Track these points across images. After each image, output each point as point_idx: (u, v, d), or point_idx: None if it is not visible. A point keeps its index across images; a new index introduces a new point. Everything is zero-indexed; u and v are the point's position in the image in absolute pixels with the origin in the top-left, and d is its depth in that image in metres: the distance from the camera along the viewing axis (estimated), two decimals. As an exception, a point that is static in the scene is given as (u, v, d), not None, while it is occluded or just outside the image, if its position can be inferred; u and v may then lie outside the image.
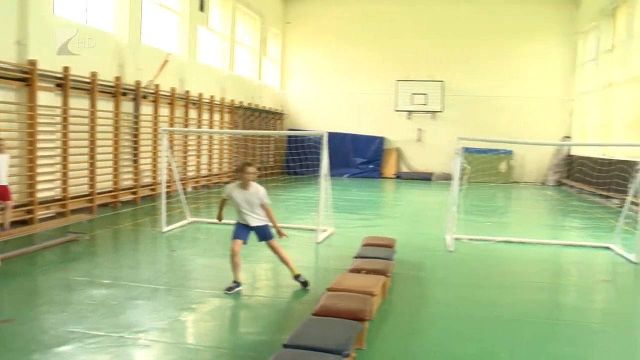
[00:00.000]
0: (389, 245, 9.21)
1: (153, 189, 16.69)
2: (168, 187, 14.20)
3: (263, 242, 7.80)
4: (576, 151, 26.31)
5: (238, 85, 24.06)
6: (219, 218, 8.06)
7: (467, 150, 24.49)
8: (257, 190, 7.54)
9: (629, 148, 19.01)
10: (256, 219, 7.58)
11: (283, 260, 7.77)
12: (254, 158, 25.06)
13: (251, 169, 7.45)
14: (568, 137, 27.35)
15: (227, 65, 23.02)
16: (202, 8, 20.19)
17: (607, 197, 19.60)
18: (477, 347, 5.93)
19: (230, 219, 13.25)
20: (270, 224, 7.74)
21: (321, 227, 11.32)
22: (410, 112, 28.73)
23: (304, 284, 7.68)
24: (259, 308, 7.10)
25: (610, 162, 19.52)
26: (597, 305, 7.85)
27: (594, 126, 24.54)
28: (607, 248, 11.19)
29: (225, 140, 22.48)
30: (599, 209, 17.79)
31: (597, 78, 24.51)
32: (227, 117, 22.71)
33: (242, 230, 7.62)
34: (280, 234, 7.79)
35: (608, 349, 6.07)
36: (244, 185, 7.49)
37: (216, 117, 21.67)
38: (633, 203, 11.15)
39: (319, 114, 29.41)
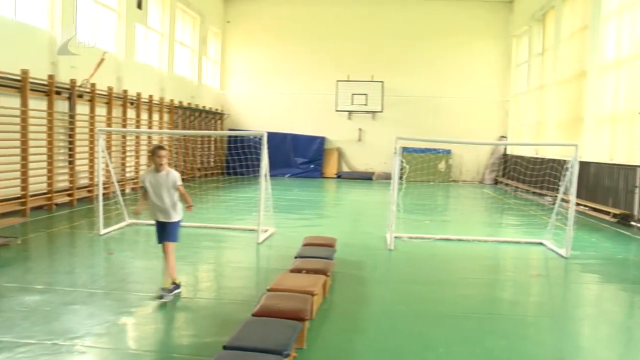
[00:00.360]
0: (329, 244, 9.27)
1: (90, 191, 16.25)
2: (105, 188, 13.88)
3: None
4: (511, 150, 27.17)
5: (177, 85, 23.73)
6: (137, 211, 7.70)
7: (407, 150, 25.13)
8: (169, 172, 7.43)
9: (560, 147, 19.80)
10: (163, 212, 7.40)
11: (168, 265, 7.37)
12: (194, 159, 24.79)
13: (163, 152, 7.42)
14: (504, 137, 28.23)
15: (166, 65, 22.65)
16: (139, 6, 19.80)
17: (541, 194, 20.30)
18: (416, 343, 6.03)
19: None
20: (179, 220, 7.58)
21: (262, 228, 11.27)
22: (350, 112, 28.98)
23: (161, 297, 7.11)
24: (199, 310, 7.01)
25: (543, 161, 20.22)
26: (531, 299, 8.11)
27: (528, 126, 25.43)
28: (541, 244, 11.61)
29: (164, 140, 22.11)
30: (533, 206, 18.39)
31: (530, 80, 25.42)
32: (166, 117, 22.35)
33: (159, 230, 7.51)
34: (188, 205, 7.64)
35: (541, 340, 6.27)
36: (157, 169, 7.40)
37: (155, 117, 21.29)
38: (563, 200, 11.58)
39: (259, 114, 29.35)
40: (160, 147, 7.52)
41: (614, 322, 7.03)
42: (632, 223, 14.74)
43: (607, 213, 15.59)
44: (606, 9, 17.61)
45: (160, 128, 21.62)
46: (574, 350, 6.03)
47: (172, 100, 22.69)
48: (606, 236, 13.21)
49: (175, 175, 7.42)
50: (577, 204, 16.29)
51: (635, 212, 14.73)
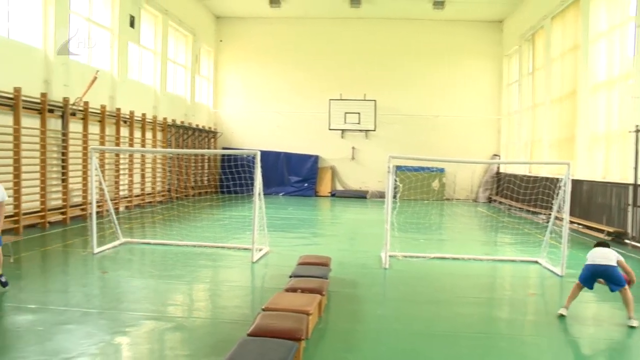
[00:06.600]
0: (324, 263, 9.24)
1: (83, 209, 16.17)
2: (99, 206, 13.80)
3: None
4: (505, 168, 27.24)
5: (171, 103, 23.74)
6: None
7: (401, 168, 25.18)
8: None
9: (553, 165, 19.87)
10: None
11: None
12: (188, 177, 24.74)
13: None
14: (497, 155, 28.33)
15: (159, 83, 22.66)
16: (132, 24, 19.85)
17: (535, 212, 20.33)
18: (413, 362, 5.98)
19: (163, 239, 12.98)
20: None
21: (256, 246, 11.23)
22: (343, 130, 29.06)
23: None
24: (195, 329, 6.94)
25: (536, 179, 20.27)
26: (528, 318, 8.06)
27: (521, 145, 25.52)
28: (536, 262, 11.60)
29: (158, 159, 22.07)
30: (527, 225, 18.40)
31: (522, 99, 25.59)
32: (159, 135, 22.33)
33: None
34: None
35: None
36: None
37: (148, 135, 21.27)
38: (557, 218, 11.60)
39: (253, 132, 29.41)
40: None
41: (613, 342, 7.00)
42: (627, 241, 14.77)
43: (601, 231, 15.62)
44: (595, 30, 17.79)
45: (154, 146, 21.59)
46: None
47: (165, 119, 22.69)
48: (601, 254, 13.19)
49: (2, 189, 8.15)
50: (571, 222, 16.29)
51: (629, 230, 14.77)
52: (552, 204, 11.88)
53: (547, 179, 18.53)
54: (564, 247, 10.54)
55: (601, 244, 8.17)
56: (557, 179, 11.85)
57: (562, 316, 7.67)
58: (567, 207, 10.72)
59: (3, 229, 12.69)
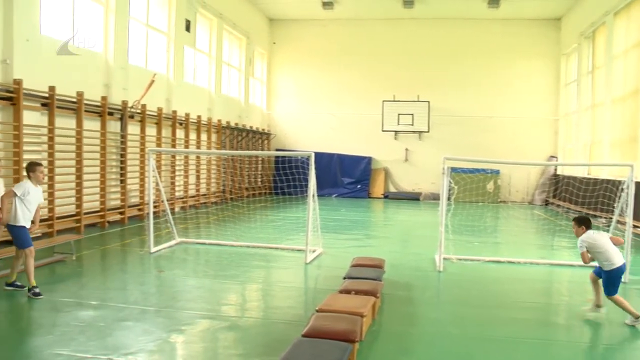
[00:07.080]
0: (378, 265, 9.19)
1: (140, 209, 16.58)
2: (156, 207, 14.11)
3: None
4: (562, 170, 26.51)
5: (225, 105, 24.08)
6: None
7: (455, 170, 24.85)
8: (41, 188, 8.31)
9: (615, 167, 19.20)
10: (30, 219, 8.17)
11: (27, 268, 8.03)
12: (242, 178, 25.04)
13: (42, 168, 8.23)
14: (554, 157, 27.62)
15: (213, 85, 23.04)
16: (188, 28, 20.25)
17: (594, 216, 19.70)
18: (469, 367, 5.89)
19: (217, 239, 13.16)
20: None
21: (310, 248, 11.26)
22: (397, 132, 28.87)
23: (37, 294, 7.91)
24: (248, 329, 7.02)
25: (596, 182, 19.67)
26: (587, 325, 7.83)
27: (579, 146, 24.80)
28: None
29: (212, 160, 22.43)
30: (586, 228, 17.82)
31: (581, 98, 24.86)
32: (214, 137, 22.69)
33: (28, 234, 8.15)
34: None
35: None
36: (36, 184, 8.15)
37: (203, 137, 21.64)
38: (619, 222, 11.21)
39: (306, 134, 29.52)
40: (39, 164, 8.26)
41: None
42: (693, 246, 14.16)
43: (666, 236, 15.02)
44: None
45: (209, 148, 21.95)
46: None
47: (219, 121, 23.03)
48: (667, 260, 12.69)
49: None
50: (635, 226, 15.77)
51: (696, 235, 14.14)
52: (613, 207, 11.50)
53: (608, 181, 17.95)
54: (627, 252, 10.16)
55: (585, 221, 8.16)
56: (619, 182, 11.45)
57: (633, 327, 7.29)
58: (630, 211, 10.35)
59: (66, 227, 13.17)
